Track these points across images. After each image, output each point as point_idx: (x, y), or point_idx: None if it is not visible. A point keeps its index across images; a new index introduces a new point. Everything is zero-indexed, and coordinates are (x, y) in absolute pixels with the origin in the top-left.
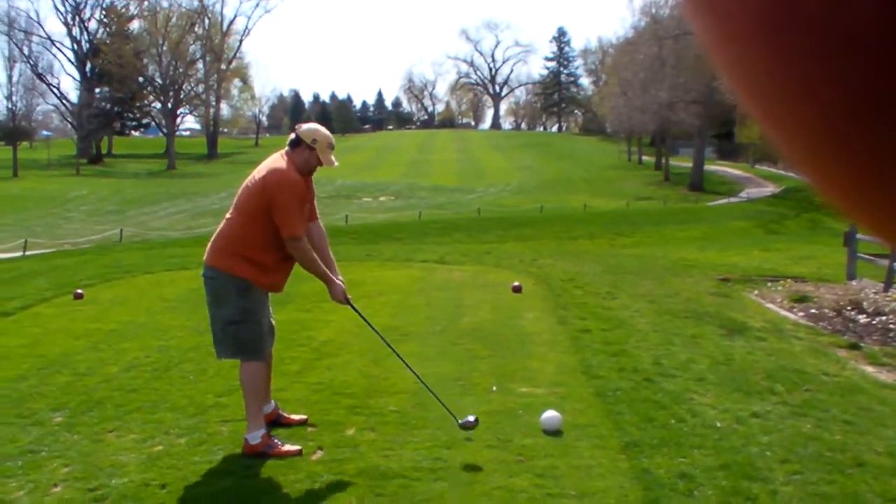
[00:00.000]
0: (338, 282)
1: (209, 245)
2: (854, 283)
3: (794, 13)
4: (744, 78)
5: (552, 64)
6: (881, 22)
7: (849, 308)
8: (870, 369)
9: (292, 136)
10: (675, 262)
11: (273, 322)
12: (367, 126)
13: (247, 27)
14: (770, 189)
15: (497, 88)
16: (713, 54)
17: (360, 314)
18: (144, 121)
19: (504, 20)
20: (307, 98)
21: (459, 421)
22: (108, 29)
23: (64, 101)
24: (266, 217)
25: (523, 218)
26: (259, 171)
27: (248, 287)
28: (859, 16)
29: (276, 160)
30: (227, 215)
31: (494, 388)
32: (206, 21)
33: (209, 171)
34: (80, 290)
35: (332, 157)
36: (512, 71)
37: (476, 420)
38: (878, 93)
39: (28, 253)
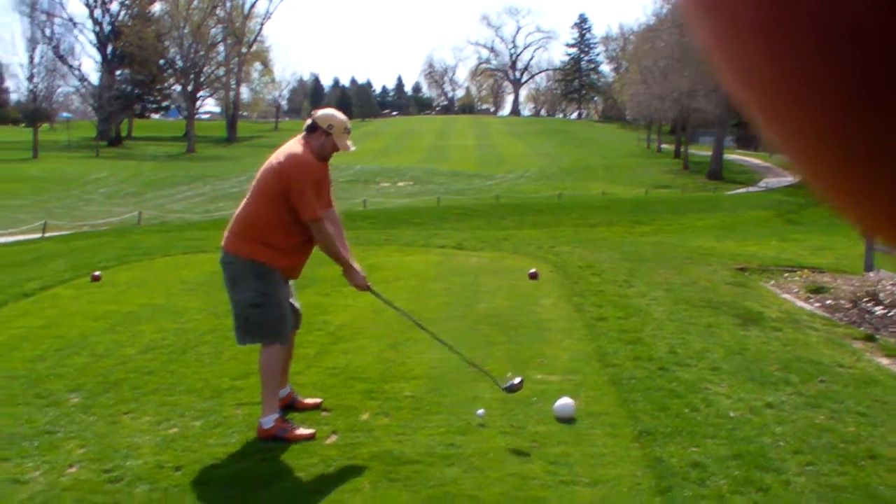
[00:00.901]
0: (357, 268)
1: (226, 231)
2: (871, 274)
3: (794, 9)
4: (743, 75)
5: (573, 50)
6: (881, 17)
7: (865, 300)
8: (885, 361)
9: (308, 121)
10: (693, 250)
11: (298, 306)
12: (386, 111)
13: (268, 10)
14: (789, 179)
15: (517, 74)
16: (711, 52)
17: (382, 298)
18: (164, 103)
19: (525, 6)
20: (327, 82)
21: (503, 385)
22: (129, 11)
23: (85, 83)
24: (283, 202)
25: (541, 205)
26: (276, 157)
27: (265, 270)
28: (859, 11)
29: (293, 145)
30: (244, 201)
31: (510, 375)
32: (228, 4)
33: (228, 155)
34: (98, 272)
35: (349, 142)
36: (532, 57)
37: (521, 382)
38: (878, 88)
39: (47, 235)
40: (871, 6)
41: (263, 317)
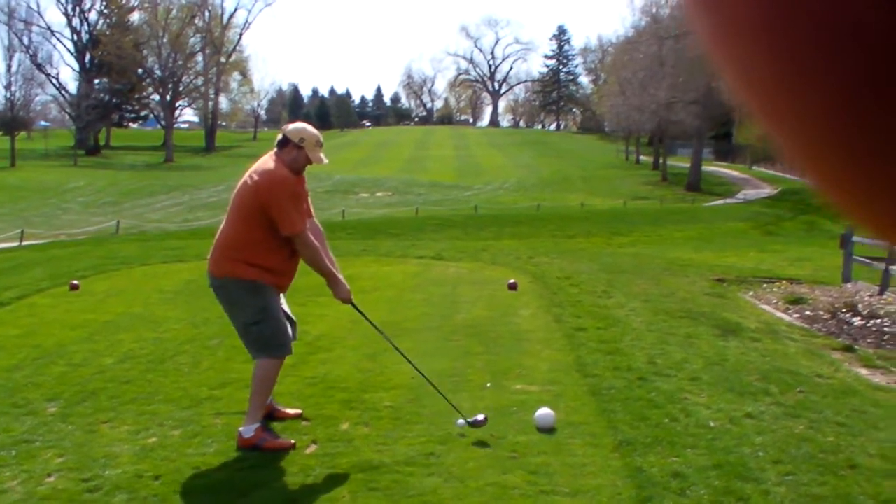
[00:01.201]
0: (342, 280)
1: (211, 256)
2: (849, 285)
3: (794, 8)
4: (745, 74)
5: (552, 62)
6: (881, 16)
7: (843, 310)
8: (863, 372)
9: (279, 136)
10: (671, 261)
11: (292, 314)
12: (364, 122)
13: (247, 20)
14: (767, 190)
15: (496, 86)
16: (714, 51)
17: (362, 313)
18: (143, 113)
19: (504, 17)
20: (306, 92)
21: (468, 419)
22: (108, 20)
23: (63, 92)
24: (263, 220)
25: (520, 216)
26: (251, 175)
27: (257, 286)
28: (859, 10)
29: (266, 162)
30: (223, 224)
31: (489, 385)
32: (207, 13)
33: (207, 164)
34: (76, 281)
35: (322, 155)
36: (511, 68)
37: (485, 419)
38: (879, 87)
39: (25, 243)
40: (872, 5)
41: (264, 332)
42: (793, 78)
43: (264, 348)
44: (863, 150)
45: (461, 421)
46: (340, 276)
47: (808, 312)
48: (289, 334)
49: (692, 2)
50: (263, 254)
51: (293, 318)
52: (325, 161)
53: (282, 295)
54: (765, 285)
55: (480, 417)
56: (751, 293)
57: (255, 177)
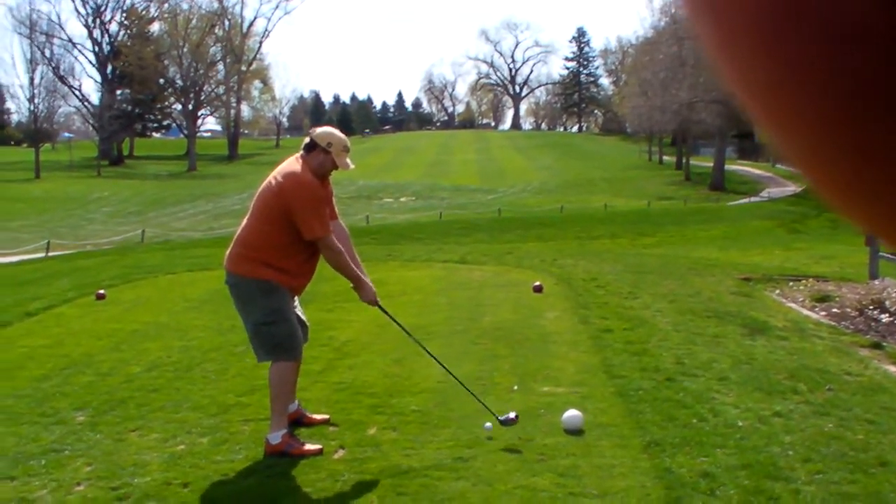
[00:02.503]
0: (368, 283)
1: (228, 251)
2: (876, 282)
3: (794, 11)
4: (745, 77)
5: (572, 64)
6: (883, 20)
7: (871, 307)
8: (892, 369)
9: (307, 139)
10: (697, 261)
11: (305, 319)
12: (387, 127)
13: (266, 28)
14: (791, 188)
15: (517, 89)
16: (714, 54)
17: (388, 315)
18: (165, 122)
19: (524, 20)
20: (327, 99)
21: (500, 417)
22: (128, 31)
23: (85, 103)
24: (285, 222)
25: (544, 218)
26: (275, 176)
27: (272, 287)
28: (861, 14)
29: (292, 164)
30: (244, 220)
31: (516, 388)
32: (226, 23)
33: (230, 172)
34: (102, 291)
35: (348, 160)
36: (532, 71)
37: (516, 417)
38: (880, 91)
39: (51, 254)
40: (872, 8)
41: (275, 334)
42: (793, 81)
43: (274, 350)
44: (863, 153)
45: (489, 424)
46: (366, 279)
47: (835, 310)
48: (300, 338)
49: (692, 6)
50: (282, 256)
51: (305, 321)
52: (352, 166)
53: (295, 297)
54: (791, 283)
55: (512, 415)
56: (777, 291)
57: (280, 178)
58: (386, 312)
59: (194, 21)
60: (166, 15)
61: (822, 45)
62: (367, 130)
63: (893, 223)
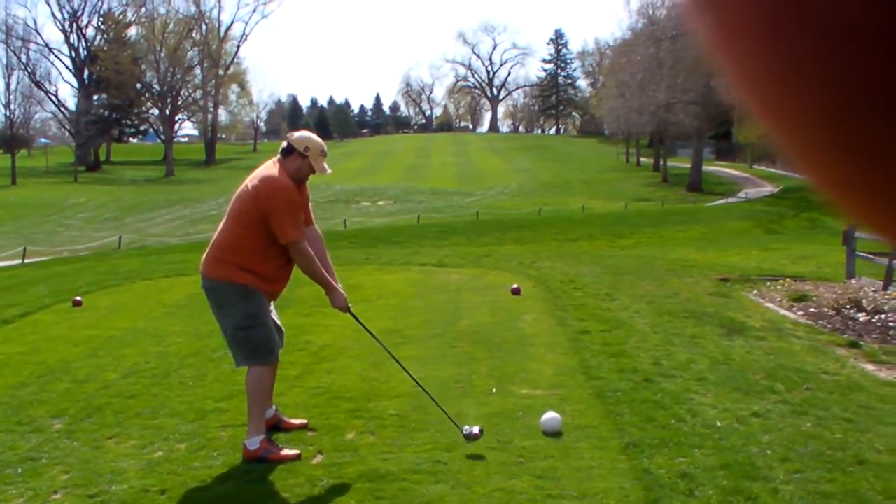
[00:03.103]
0: (339, 289)
1: (205, 256)
2: (853, 281)
3: (793, 7)
4: (744, 74)
5: (549, 66)
6: (880, 16)
7: (848, 306)
8: (869, 367)
9: (284, 144)
10: (674, 262)
11: (280, 324)
12: (365, 130)
13: (244, 33)
14: (768, 189)
15: (495, 91)
16: (713, 52)
17: (360, 322)
18: (142, 127)
19: (501, 23)
20: (305, 103)
21: (464, 432)
22: (105, 36)
23: (62, 109)
24: (261, 227)
25: (522, 220)
26: (251, 180)
27: (249, 291)
28: (858, 10)
29: (269, 168)
30: (221, 225)
31: (494, 391)
32: (204, 27)
33: (207, 177)
34: (78, 297)
35: (325, 165)
36: (509, 74)
37: (481, 431)
38: (878, 85)
39: (27, 261)
40: (874, 3)
41: (252, 338)
42: (792, 77)
43: (252, 355)
44: (861, 149)
45: (467, 427)
46: (338, 285)
47: (812, 309)
48: (277, 341)
49: (692, 4)
50: (258, 260)
51: (281, 325)
52: (329, 171)
53: (272, 303)
54: (768, 283)
55: (475, 430)
56: (755, 292)
57: (256, 182)
58: (357, 320)
59: (171, 26)
60: (143, 20)
61: (822, 40)
62: (364, 130)
63: (892, 217)
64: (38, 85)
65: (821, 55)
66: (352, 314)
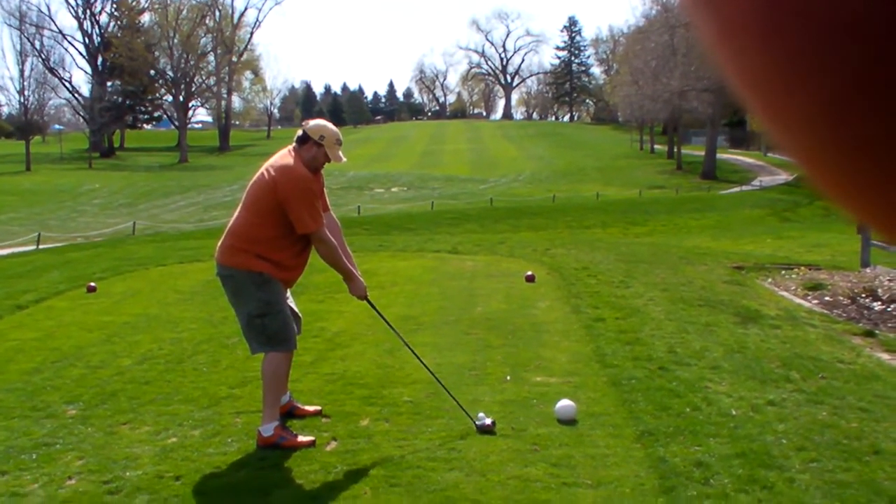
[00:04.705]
0: (359, 277)
1: (220, 243)
2: (868, 270)
3: (791, 3)
4: (742, 70)
5: (563, 53)
6: (881, 9)
7: (863, 295)
8: (885, 356)
9: (299, 132)
10: (689, 250)
11: (298, 311)
12: (378, 117)
13: (257, 19)
14: (783, 177)
15: (508, 78)
16: (712, 47)
17: (376, 310)
18: (156, 114)
19: (515, 9)
20: (318, 90)
21: (477, 422)
22: (118, 22)
23: (76, 95)
24: (278, 216)
25: (536, 207)
26: (268, 170)
27: (265, 279)
28: (856, 7)
29: (284, 157)
30: (236, 212)
31: (508, 378)
32: (217, 13)
33: (221, 164)
34: (92, 283)
35: (340, 153)
36: (523, 60)
37: (493, 424)
38: (874, 82)
39: (41, 247)
40: (869, 4)
41: (269, 325)
42: (791, 72)
43: (268, 342)
44: (860, 144)
45: (482, 415)
46: (357, 273)
47: (827, 298)
48: (293, 329)
49: (690, 0)
50: (274, 248)
51: (298, 312)
52: (344, 160)
53: (288, 290)
54: (783, 272)
55: (488, 421)
56: (769, 280)
57: (273, 172)
58: (374, 307)
59: (185, 12)
60: (157, 6)
61: (820, 37)
62: (378, 117)
63: (888, 214)
64: (52, 71)
65: (820, 51)
66: (369, 302)
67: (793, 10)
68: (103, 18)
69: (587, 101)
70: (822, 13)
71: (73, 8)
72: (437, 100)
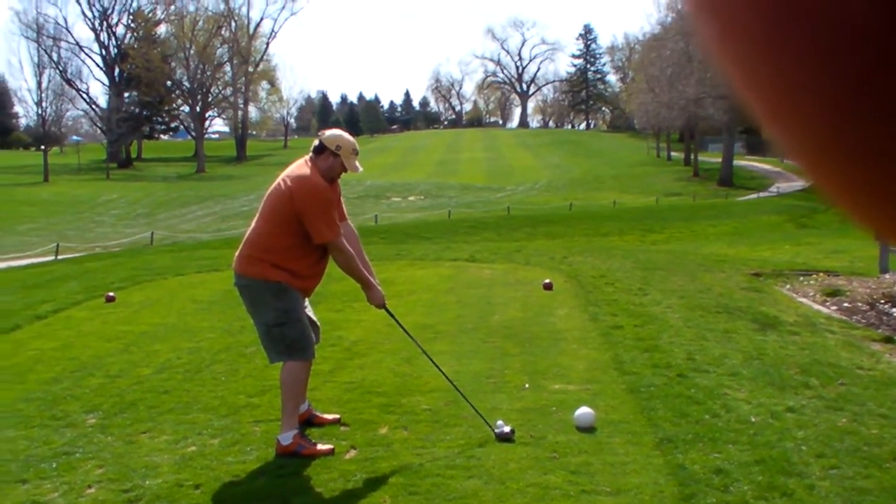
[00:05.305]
0: (376, 286)
1: (238, 253)
2: (887, 276)
3: (794, 12)
4: (746, 76)
5: (579, 61)
6: (883, 16)
7: (882, 301)
8: None
9: (316, 142)
10: (706, 257)
11: (316, 319)
12: (394, 126)
13: (273, 29)
14: (800, 183)
15: (524, 87)
16: (716, 54)
17: (394, 318)
18: (173, 124)
19: (530, 18)
20: (335, 99)
21: (495, 431)
22: (135, 34)
23: (93, 106)
24: (295, 226)
25: (553, 215)
26: (284, 180)
27: (282, 288)
28: (860, 10)
29: (301, 167)
30: (254, 223)
31: (527, 386)
32: (233, 24)
33: (238, 174)
34: (111, 293)
35: (357, 163)
36: (539, 69)
37: (512, 431)
38: (878, 87)
39: (60, 257)
40: (874, 8)
41: (288, 334)
42: (793, 81)
43: (287, 351)
44: (864, 153)
45: (500, 422)
46: (375, 282)
47: (846, 304)
48: (312, 338)
49: (694, 4)
50: (292, 258)
51: (316, 321)
52: (360, 169)
53: (306, 299)
54: (801, 278)
55: (507, 429)
56: (788, 286)
57: (289, 182)
58: (392, 316)
59: (201, 23)
60: (173, 17)
61: (824, 42)
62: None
63: (893, 220)
64: (70, 83)
65: (823, 57)
66: (388, 311)
67: (796, 15)
68: (120, 30)
69: (603, 108)
70: (826, 18)
71: (89, 20)
72: (453, 108)
